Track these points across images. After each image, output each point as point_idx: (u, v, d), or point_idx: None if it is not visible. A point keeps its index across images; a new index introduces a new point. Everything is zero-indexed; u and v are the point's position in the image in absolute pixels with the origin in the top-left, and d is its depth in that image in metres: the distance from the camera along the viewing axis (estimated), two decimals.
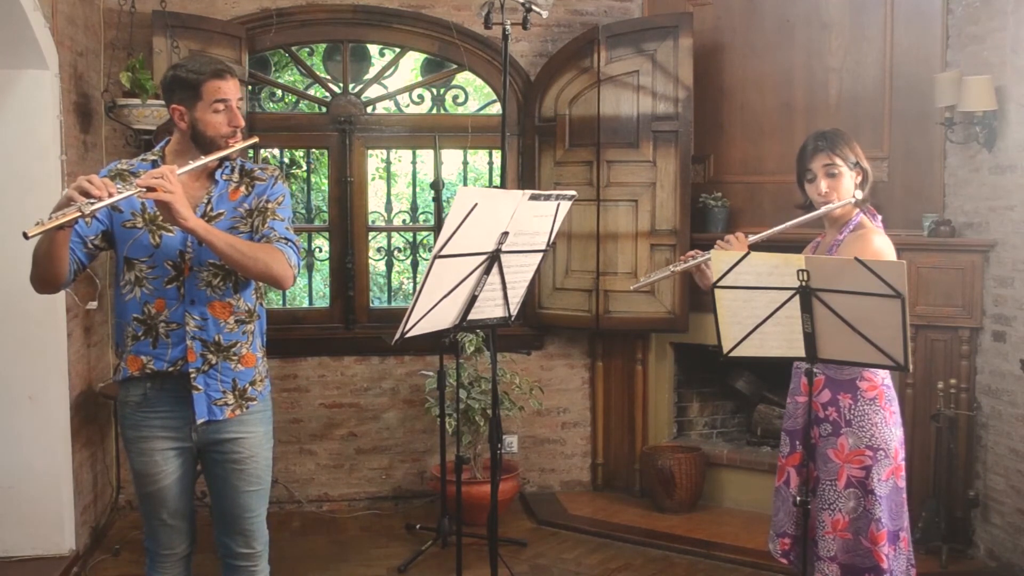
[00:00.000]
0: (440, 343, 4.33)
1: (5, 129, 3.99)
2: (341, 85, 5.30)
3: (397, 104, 5.53)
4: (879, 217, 3.08)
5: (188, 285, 2.61)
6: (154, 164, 2.66)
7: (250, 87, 5.11)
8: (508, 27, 3.89)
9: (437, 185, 4.79)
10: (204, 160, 2.59)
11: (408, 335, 2.85)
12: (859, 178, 3.03)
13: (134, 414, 2.67)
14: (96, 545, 4.49)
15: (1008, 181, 4.21)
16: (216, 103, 2.60)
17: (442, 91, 5.46)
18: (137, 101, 4.52)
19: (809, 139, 3.07)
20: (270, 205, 2.68)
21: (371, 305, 5.46)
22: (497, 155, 5.44)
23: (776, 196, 4.89)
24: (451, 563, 3.68)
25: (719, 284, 2.77)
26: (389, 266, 5.71)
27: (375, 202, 5.66)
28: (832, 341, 2.71)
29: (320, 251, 5.77)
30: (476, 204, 2.70)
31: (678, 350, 5.28)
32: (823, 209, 3.01)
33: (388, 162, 5.82)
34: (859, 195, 3.00)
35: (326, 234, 5.48)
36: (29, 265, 2.49)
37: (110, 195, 2.30)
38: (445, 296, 2.87)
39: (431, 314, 2.87)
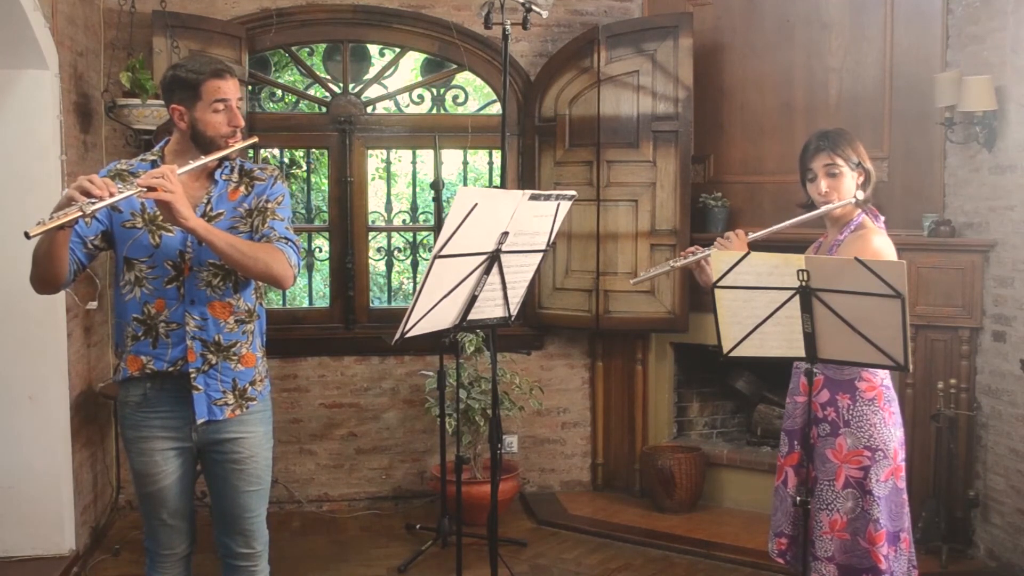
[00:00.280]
0: (440, 343, 4.33)
1: (5, 129, 3.99)
2: (341, 85, 5.30)
3: (397, 104, 5.53)
4: (882, 218, 3.08)
5: (188, 285, 2.61)
6: (153, 164, 2.66)
7: (250, 87, 5.11)
8: (508, 27, 3.89)
9: (437, 185, 4.80)
10: (204, 160, 2.59)
11: (408, 335, 2.85)
12: (861, 178, 3.02)
13: (134, 414, 2.67)
14: (96, 545, 4.49)
15: (1008, 181, 4.21)
16: (216, 103, 2.60)
17: (442, 91, 5.46)
18: (137, 101, 4.52)
19: (811, 138, 3.07)
20: (270, 205, 2.69)
21: (371, 305, 5.46)
22: (497, 155, 5.45)
23: (776, 196, 4.89)
24: (451, 563, 3.68)
25: (719, 284, 2.77)
26: (389, 266, 5.71)
27: (375, 202, 5.66)
28: (832, 341, 2.71)
29: (320, 251, 5.77)
30: (476, 204, 2.69)
31: (678, 350, 5.28)
32: (823, 208, 3.01)
33: (388, 162, 5.82)
34: (860, 195, 3.00)
35: (326, 234, 5.48)
36: (29, 265, 2.49)
37: (111, 195, 2.30)
38: (445, 296, 2.87)
39: (431, 314, 2.87)
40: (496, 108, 5.55)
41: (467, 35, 5.24)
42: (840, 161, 2.99)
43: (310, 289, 6.16)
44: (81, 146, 4.50)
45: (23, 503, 4.06)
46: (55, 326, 4.09)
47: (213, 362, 2.64)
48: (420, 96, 5.47)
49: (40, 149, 4.03)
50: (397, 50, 5.39)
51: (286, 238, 2.65)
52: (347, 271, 5.28)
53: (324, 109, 5.32)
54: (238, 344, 2.68)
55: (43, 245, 2.40)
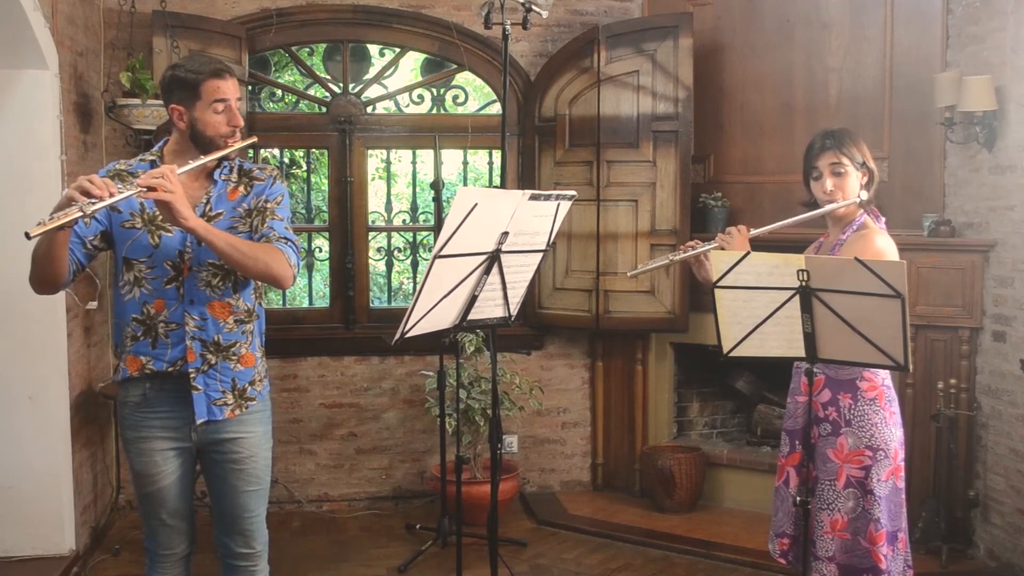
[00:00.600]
0: (440, 343, 4.33)
1: (5, 129, 3.99)
2: (341, 85, 5.30)
3: (397, 104, 5.53)
4: (883, 219, 3.07)
5: (187, 285, 2.61)
6: (153, 164, 2.66)
7: (250, 87, 5.11)
8: (508, 27, 3.90)
9: (437, 185, 4.79)
10: (204, 160, 2.59)
11: (408, 335, 2.85)
12: (865, 178, 3.02)
13: (133, 414, 2.67)
14: (96, 545, 4.49)
15: (1008, 181, 4.21)
16: (215, 103, 2.60)
17: (442, 91, 5.46)
18: (137, 101, 4.52)
19: (817, 137, 3.06)
20: (269, 205, 2.69)
21: (371, 305, 5.46)
22: (497, 155, 5.44)
23: (776, 196, 4.89)
24: (451, 563, 3.68)
25: (719, 284, 2.77)
26: (389, 266, 5.71)
27: (375, 202, 5.66)
28: (832, 341, 2.71)
29: (320, 251, 5.77)
30: (476, 204, 2.69)
31: (678, 350, 5.28)
32: (827, 207, 3.01)
33: (388, 162, 5.82)
34: (864, 195, 3.00)
35: (326, 234, 5.48)
36: (29, 265, 2.49)
37: (111, 195, 2.30)
38: (445, 296, 2.87)
39: (431, 314, 2.87)
40: (496, 108, 5.55)
41: (467, 35, 5.24)
42: (846, 160, 2.99)
43: (310, 289, 6.16)
44: (81, 146, 4.50)
45: (23, 503, 4.06)
46: (55, 326, 4.09)
47: (212, 362, 2.64)
48: (420, 96, 5.47)
49: (40, 149, 4.03)
50: (397, 50, 5.39)
51: (285, 238, 2.65)
52: (347, 271, 5.28)
53: (324, 109, 5.32)
54: (237, 344, 2.68)
55: (42, 245, 2.40)
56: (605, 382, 5.40)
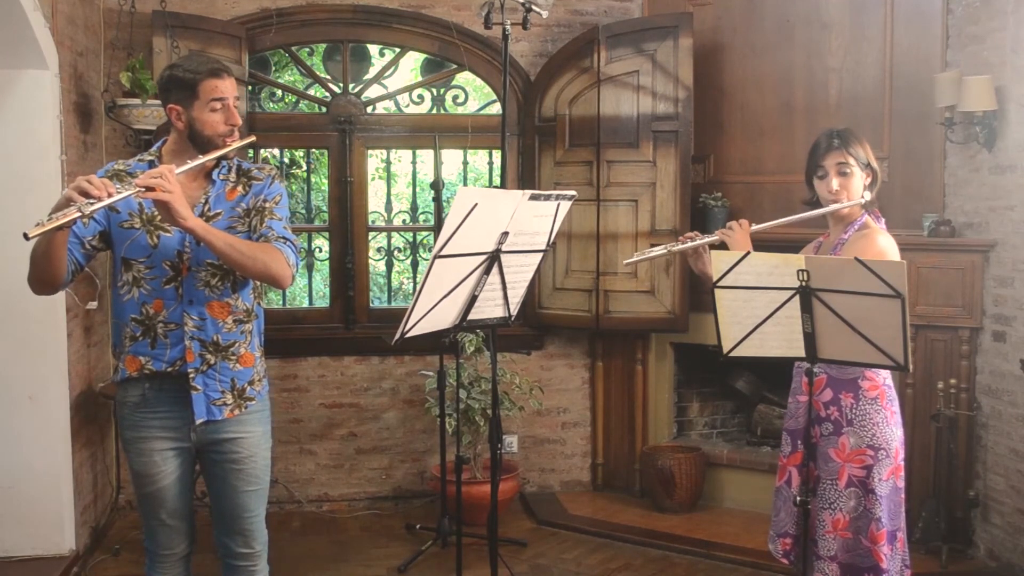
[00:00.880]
0: (440, 343, 4.33)
1: (5, 129, 3.99)
2: (341, 85, 5.30)
3: (397, 104, 5.53)
4: (883, 220, 3.08)
5: (186, 285, 2.60)
6: (151, 164, 2.65)
7: (250, 87, 5.11)
8: (508, 27, 3.89)
9: (437, 185, 4.79)
10: (202, 159, 2.59)
11: (408, 335, 2.85)
12: (868, 179, 3.02)
13: (132, 414, 2.67)
14: (96, 545, 4.49)
15: (1008, 181, 4.21)
16: (213, 102, 2.59)
17: (442, 91, 5.46)
18: (137, 101, 4.52)
19: (823, 136, 3.06)
20: (267, 204, 2.68)
21: (371, 305, 5.46)
22: (497, 155, 5.44)
23: (776, 196, 4.89)
24: (451, 563, 3.68)
25: (719, 284, 2.77)
26: (389, 266, 5.71)
27: (375, 202, 5.66)
28: (832, 341, 2.71)
29: (320, 251, 5.77)
30: (476, 204, 2.70)
31: (678, 350, 5.28)
32: (831, 207, 3.01)
33: (388, 162, 5.82)
34: (867, 196, 3.01)
35: (326, 234, 5.48)
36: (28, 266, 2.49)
37: (109, 195, 2.29)
38: (445, 296, 2.87)
39: (431, 314, 2.87)
40: (496, 108, 5.55)
41: (467, 35, 5.24)
42: (852, 161, 2.98)
43: (310, 289, 6.16)
44: (81, 146, 4.50)
45: (23, 503, 4.06)
46: (55, 326, 4.09)
47: (212, 362, 2.63)
48: (420, 96, 5.47)
49: (40, 149, 4.03)
50: (397, 50, 5.39)
51: (284, 238, 2.64)
52: (347, 271, 5.28)
53: (324, 109, 5.32)
54: (236, 344, 2.68)
55: (41, 246, 2.40)
56: (605, 382, 5.40)
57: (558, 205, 3.00)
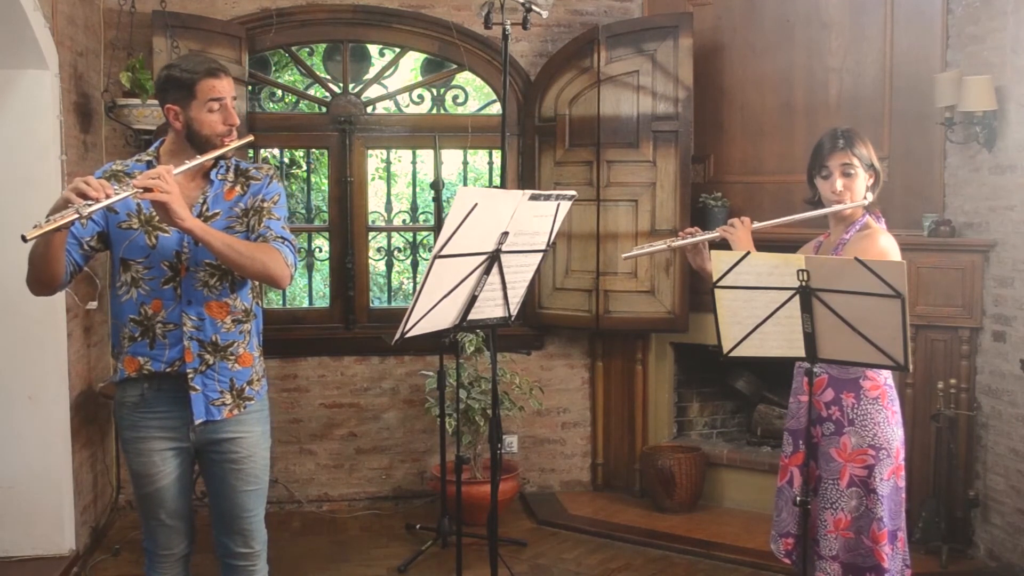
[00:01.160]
0: (440, 343, 4.33)
1: (5, 129, 3.99)
2: (341, 85, 5.30)
3: (397, 104, 5.53)
4: (883, 220, 3.08)
5: (185, 285, 2.60)
6: (149, 164, 2.65)
7: (250, 87, 5.11)
8: (508, 27, 3.90)
9: (437, 185, 4.80)
10: (200, 159, 2.59)
11: (408, 335, 2.85)
12: (871, 180, 3.03)
13: (131, 415, 2.67)
14: (96, 545, 4.49)
15: (1008, 181, 4.21)
16: (211, 102, 2.59)
17: (442, 91, 5.46)
18: (137, 101, 4.52)
19: (827, 136, 3.05)
20: (266, 204, 2.68)
21: (371, 305, 5.46)
22: (497, 155, 5.44)
23: (776, 196, 4.89)
24: (451, 563, 3.68)
25: (719, 284, 2.77)
26: (389, 266, 5.71)
27: (375, 202, 5.66)
28: (832, 341, 2.71)
29: (320, 251, 5.76)
30: (476, 204, 2.70)
31: (678, 350, 5.28)
32: (834, 208, 3.01)
33: (388, 162, 5.82)
34: (870, 197, 3.01)
35: (326, 234, 5.48)
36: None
37: (107, 196, 2.29)
38: (445, 296, 2.87)
39: (431, 314, 2.87)
40: (496, 108, 5.55)
41: (467, 35, 5.24)
42: (856, 161, 2.99)
43: (310, 289, 6.16)
44: (81, 146, 4.50)
45: (23, 503, 4.06)
46: (55, 326, 4.09)
47: (210, 362, 2.63)
48: (420, 96, 5.47)
49: (40, 149, 4.03)
50: (397, 50, 5.39)
51: (282, 237, 2.64)
52: (347, 271, 5.28)
53: (324, 109, 5.32)
54: (235, 344, 2.68)
55: (39, 247, 2.40)
56: (605, 382, 5.40)
57: (558, 205, 3.00)
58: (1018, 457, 4.15)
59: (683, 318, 4.96)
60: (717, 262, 2.76)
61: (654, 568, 4.39)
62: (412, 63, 6.57)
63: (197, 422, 2.63)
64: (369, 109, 5.35)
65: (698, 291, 4.80)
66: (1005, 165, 4.23)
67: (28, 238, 2.22)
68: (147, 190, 2.37)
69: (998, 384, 4.29)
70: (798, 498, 2.92)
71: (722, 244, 3.06)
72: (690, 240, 3.13)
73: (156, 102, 4.43)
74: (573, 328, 5.30)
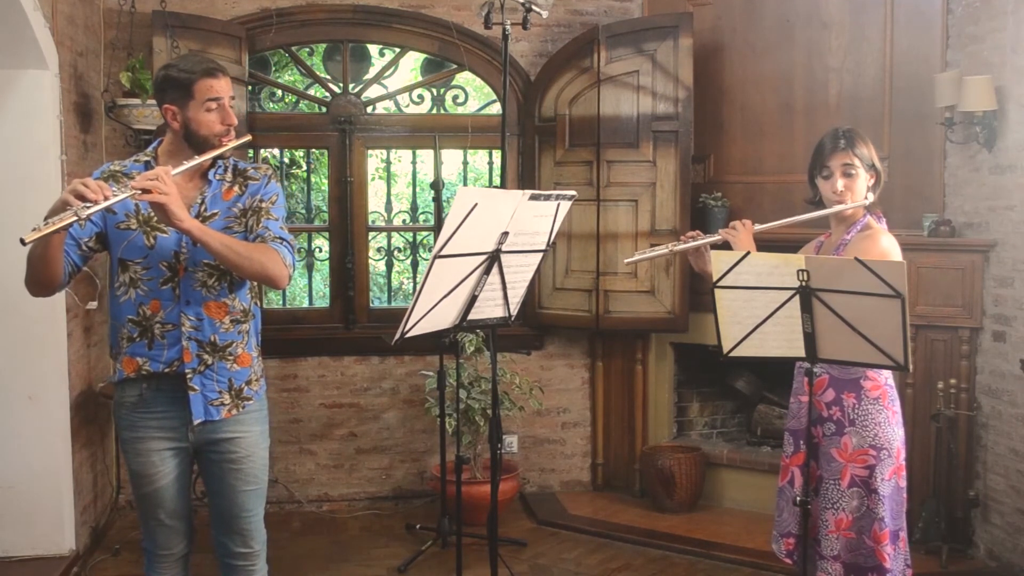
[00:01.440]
0: (440, 343, 4.33)
1: (5, 129, 3.99)
2: (341, 85, 5.30)
3: (397, 104, 5.53)
4: (884, 220, 3.08)
5: (183, 285, 2.60)
6: (147, 165, 2.66)
7: (250, 87, 5.11)
8: (508, 27, 3.89)
9: (437, 185, 4.80)
10: (198, 160, 2.59)
11: (408, 335, 2.85)
12: (872, 180, 3.03)
13: (130, 415, 2.67)
14: (96, 545, 4.49)
15: (1008, 181, 4.21)
16: (208, 102, 2.59)
17: (442, 91, 5.46)
18: (137, 101, 4.52)
19: (828, 136, 3.05)
20: (264, 204, 2.68)
21: (371, 305, 5.46)
22: (497, 155, 5.44)
23: (776, 196, 4.89)
24: (451, 563, 3.68)
25: (719, 284, 2.77)
26: (389, 266, 5.71)
27: (375, 202, 5.66)
28: (832, 341, 2.71)
29: (320, 251, 5.76)
30: (476, 204, 2.70)
31: (678, 350, 5.28)
32: (835, 208, 3.01)
33: (388, 162, 5.82)
34: (871, 198, 3.01)
35: (326, 234, 5.48)
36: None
37: (106, 198, 2.30)
38: (445, 296, 2.87)
39: (431, 314, 2.87)
40: (496, 108, 5.55)
41: (467, 35, 5.24)
42: (857, 161, 2.99)
43: (310, 289, 6.16)
44: (81, 146, 4.50)
45: (23, 503, 4.06)
46: (55, 326, 4.09)
47: (209, 362, 2.64)
48: (420, 96, 5.47)
49: (40, 149, 4.03)
50: (397, 50, 5.39)
51: (281, 238, 2.64)
52: (347, 271, 5.28)
53: (324, 109, 5.32)
54: (234, 344, 2.68)
55: (38, 249, 2.40)
56: (605, 382, 5.40)
57: (558, 205, 3.00)
58: (1018, 457, 4.15)
59: (683, 318, 4.96)
60: (717, 262, 2.76)
61: (654, 568, 4.39)
62: (412, 63, 6.57)
63: (196, 422, 2.63)
64: (369, 109, 5.35)
65: (698, 291, 4.80)
66: (1005, 165, 4.23)
67: (27, 241, 2.22)
68: (145, 191, 2.37)
69: (998, 384, 4.29)
70: (798, 498, 2.92)
71: (724, 247, 3.06)
72: (692, 244, 3.13)
73: (156, 102, 4.47)
74: (573, 328, 5.30)
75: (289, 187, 7.61)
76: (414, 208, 5.60)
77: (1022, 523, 4.12)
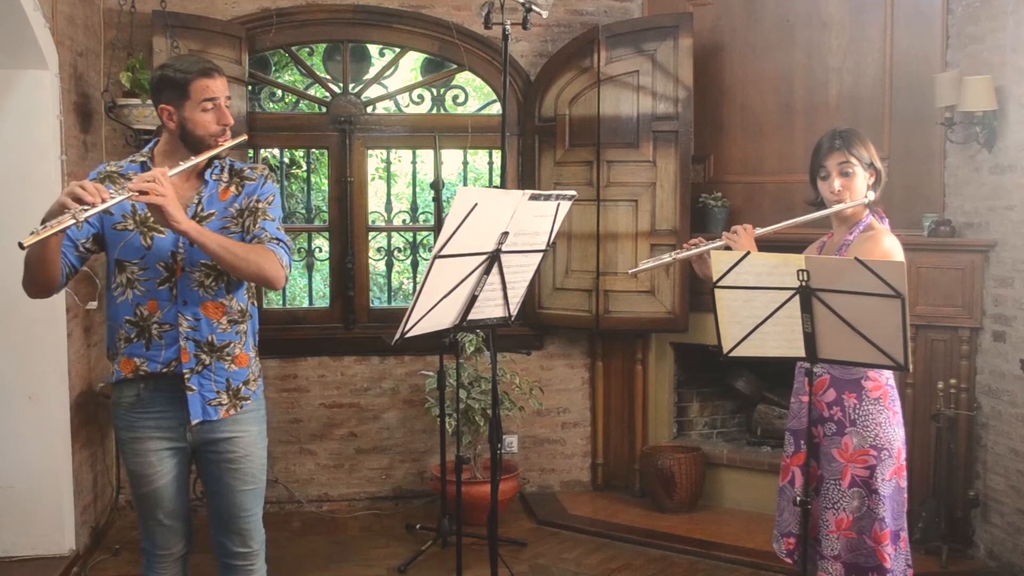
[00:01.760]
0: (440, 343, 4.32)
1: (5, 129, 3.99)
2: (341, 85, 5.30)
3: (397, 104, 5.53)
4: (886, 220, 3.08)
5: (180, 286, 2.61)
6: (143, 165, 2.66)
7: (250, 87, 5.11)
8: (508, 27, 3.89)
9: (437, 185, 4.79)
10: (195, 160, 2.59)
11: (408, 335, 2.85)
12: (872, 179, 3.03)
13: (127, 415, 2.67)
14: (96, 545, 4.49)
15: (1008, 181, 4.21)
16: (204, 102, 2.59)
17: (442, 91, 5.46)
18: (137, 101, 4.52)
19: (825, 136, 3.06)
20: (260, 205, 2.68)
21: (371, 305, 5.46)
22: (497, 155, 5.44)
23: (776, 196, 4.89)
24: (451, 563, 3.68)
25: (719, 284, 2.77)
26: (389, 266, 5.70)
27: (375, 202, 5.66)
28: (832, 341, 2.71)
29: (320, 251, 5.76)
30: (476, 204, 2.70)
31: (678, 350, 5.28)
32: (835, 207, 3.01)
33: (388, 162, 5.82)
34: (871, 196, 3.00)
35: (326, 234, 5.48)
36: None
37: (103, 201, 2.30)
38: (445, 296, 2.88)
39: (431, 314, 2.88)
40: (496, 108, 5.55)
41: (467, 35, 5.24)
42: (854, 160, 2.99)
43: (310, 289, 6.16)
44: (81, 146, 4.50)
45: (23, 503, 4.06)
46: (55, 326, 4.09)
47: (207, 363, 2.64)
48: (420, 96, 5.47)
49: (40, 149, 4.03)
50: (397, 50, 5.39)
51: (277, 239, 2.65)
52: (347, 271, 5.28)
53: (324, 109, 5.32)
54: (231, 344, 2.68)
55: (35, 251, 2.40)
56: (605, 382, 5.40)
57: (558, 205, 3.00)
58: (1018, 457, 4.15)
59: (683, 318, 4.96)
60: (717, 262, 2.76)
61: (654, 568, 4.39)
62: (412, 63, 6.57)
63: (194, 422, 2.63)
64: (369, 109, 5.35)
65: (698, 291, 4.80)
66: (1005, 165, 4.23)
67: (25, 245, 2.23)
68: (143, 193, 2.37)
69: (998, 384, 4.29)
70: (798, 498, 2.92)
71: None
72: (694, 251, 3.13)
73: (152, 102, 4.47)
74: (573, 328, 5.30)
75: (289, 187, 7.61)
76: (414, 208, 5.60)
77: (1022, 523, 4.12)
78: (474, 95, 6.16)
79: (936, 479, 4.38)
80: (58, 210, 2.29)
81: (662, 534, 4.69)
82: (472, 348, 4.74)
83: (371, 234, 5.43)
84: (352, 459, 5.26)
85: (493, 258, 2.92)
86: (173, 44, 4.69)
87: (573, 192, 3.08)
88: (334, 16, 5.18)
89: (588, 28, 5.17)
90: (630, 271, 3.45)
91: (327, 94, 5.33)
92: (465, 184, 5.93)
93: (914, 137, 4.69)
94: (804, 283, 2.65)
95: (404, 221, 5.67)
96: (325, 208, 5.64)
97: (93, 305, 4.54)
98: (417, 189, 5.73)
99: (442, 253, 2.72)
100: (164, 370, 2.62)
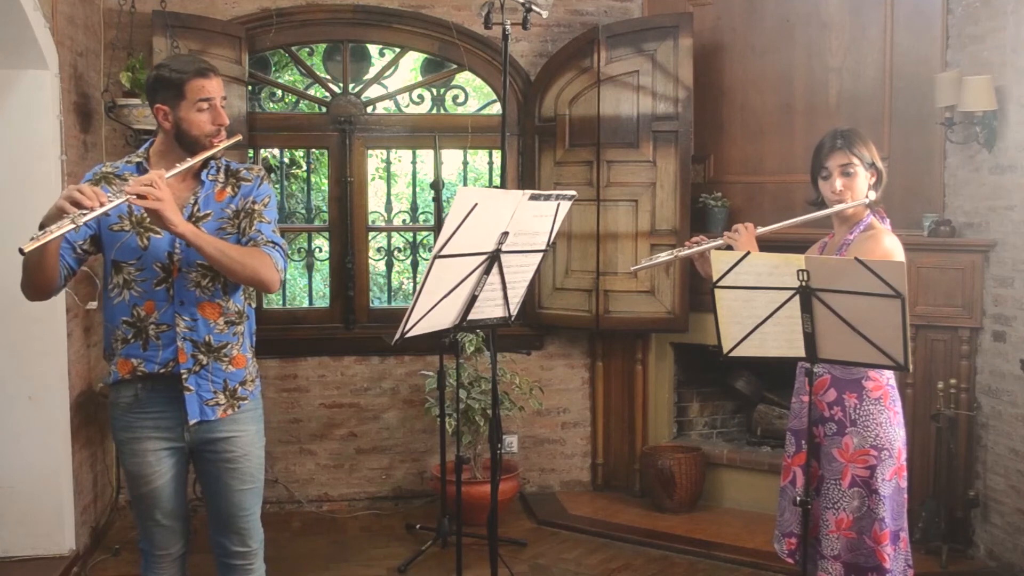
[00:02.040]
0: (440, 343, 4.32)
1: (5, 129, 3.99)
2: (341, 85, 5.30)
3: (397, 104, 5.53)
4: (887, 220, 3.08)
5: (177, 286, 2.61)
6: (138, 166, 2.66)
7: (250, 87, 5.11)
8: (508, 27, 3.89)
9: (437, 185, 4.79)
10: (191, 161, 2.59)
11: (408, 335, 2.85)
12: (873, 179, 3.03)
13: (125, 415, 2.67)
14: (96, 545, 4.49)
15: (1008, 181, 4.21)
16: (200, 102, 2.60)
17: (442, 91, 5.46)
18: (137, 101, 4.52)
19: (827, 136, 3.06)
20: (256, 207, 2.68)
21: (371, 305, 5.46)
22: (497, 155, 5.44)
23: (776, 196, 4.89)
24: (451, 563, 3.68)
25: (719, 284, 2.77)
26: (389, 266, 5.70)
27: (375, 202, 5.66)
28: (832, 341, 2.71)
29: (320, 251, 5.76)
30: (476, 204, 2.70)
31: (678, 350, 5.28)
32: (836, 207, 3.01)
33: (388, 162, 5.82)
34: (872, 196, 3.01)
35: (326, 234, 5.48)
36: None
37: (101, 204, 2.30)
38: (445, 296, 2.88)
39: (431, 314, 2.88)
40: (496, 108, 5.55)
41: (467, 35, 5.24)
42: (856, 160, 2.99)
43: (310, 289, 6.16)
44: (81, 146, 4.50)
45: (23, 503, 4.06)
46: (55, 326, 4.09)
47: (204, 363, 2.64)
48: (420, 96, 5.47)
49: (40, 149, 4.03)
50: (397, 50, 5.39)
51: (273, 242, 2.65)
52: (347, 271, 5.28)
53: (324, 109, 5.32)
54: (228, 345, 2.68)
55: (34, 255, 2.39)
56: (605, 382, 5.40)
57: (558, 205, 3.00)
58: (1018, 457, 4.15)
59: (683, 318, 4.96)
60: (717, 262, 2.76)
61: (654, 568, 4.39)
62: (412, 63, 6.57)
63: (192, 422, 2.64)
64: (369, 109, 5.35)
65: (698, 291, 4.80)
66: (1005, 165, 4.23)
67: (25, 251, 2.24)
68: (140, 196, 2.37)
69: (998, 384, 4.29)
70: (798, 498, 2.92)
71: (726, 250, 3.06)
72: (695, 250, 3.13)
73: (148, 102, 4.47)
74: (573, 328, 5.30)
75: (289, 187, 7.61)
76: (414, 208, 5.60)
77: (1022, 523, 4.12)
78: (474, 95, 6.16)
79: (936, 479, 4.38)
80: (56, 214, 2.29)
81: (662, 534, 4.70)
82: (472, 348, 4.74)
83: (371, 234, 5.43)
84: (352, 459, 5.26)
85: (493, 258, 2.91)
86: (173, 44, 4.69)
87: (573, 192, 3.08)
88: (334, 16, 5.18)
89: (588, 28, 5.17)
90: (631, 268, 3.45)
91: (327, 94, 5.33)
92: (465, 184, 5.93)
93: (914, 137, 4.69)
94: (804, 283, 2.65)
95: (404, 221, 5.67)
96: (325, 208, 5.64)
97: (93, 305, 4.54)
98: (417, 189, 5.73)
99: (442, 253, 2.72)
100: (161, 370, 2.62)
